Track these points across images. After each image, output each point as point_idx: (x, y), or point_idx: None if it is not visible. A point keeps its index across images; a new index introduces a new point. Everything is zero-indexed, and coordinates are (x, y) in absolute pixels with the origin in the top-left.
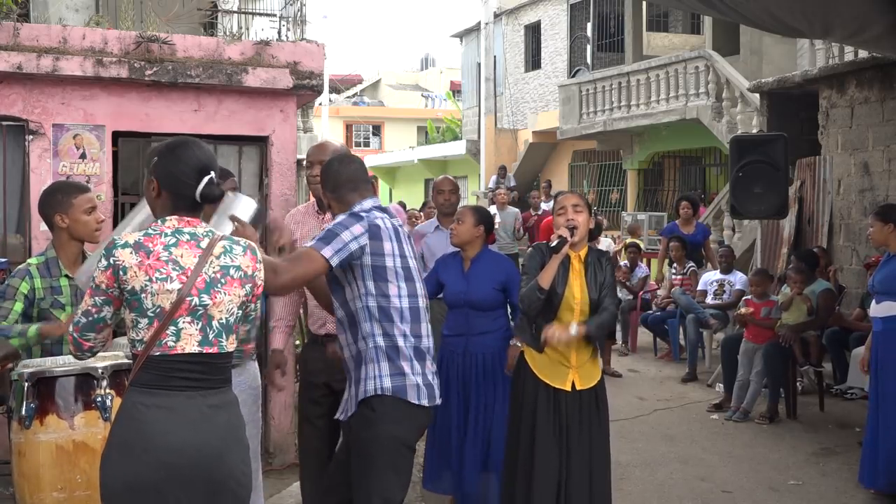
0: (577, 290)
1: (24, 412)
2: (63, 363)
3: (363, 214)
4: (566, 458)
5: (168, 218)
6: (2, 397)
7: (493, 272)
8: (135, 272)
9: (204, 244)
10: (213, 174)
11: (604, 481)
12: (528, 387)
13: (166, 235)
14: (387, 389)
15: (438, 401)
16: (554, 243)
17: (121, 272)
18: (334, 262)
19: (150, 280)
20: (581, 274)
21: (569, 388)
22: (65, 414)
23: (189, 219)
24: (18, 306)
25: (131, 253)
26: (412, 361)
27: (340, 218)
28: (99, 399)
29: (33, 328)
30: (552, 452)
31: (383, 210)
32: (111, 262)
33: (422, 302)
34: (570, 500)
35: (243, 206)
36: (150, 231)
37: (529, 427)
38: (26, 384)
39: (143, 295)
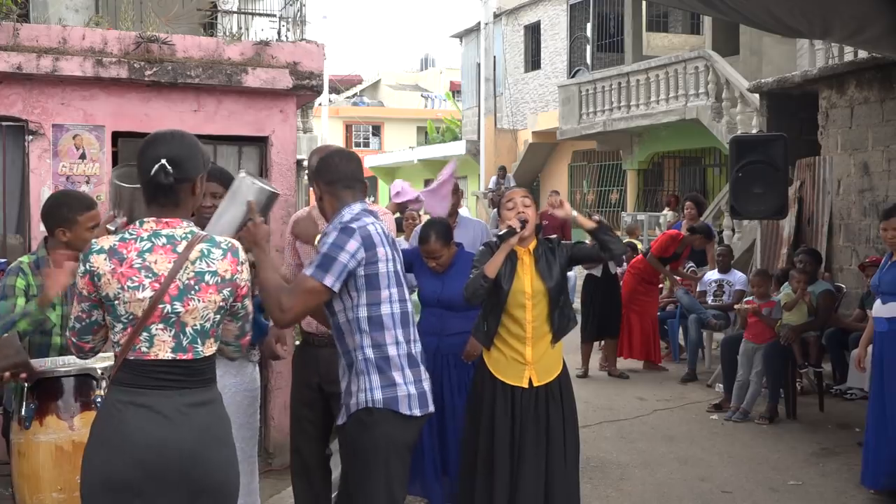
0: (526, 284)
1: (23, 413)
2: (63, 364)
3: (354, 226)
4: (519, 451)
5: (147, 220)
6: (1, 398)
7: (467, 272)
8: (108, 279)
9: (181, 248)
10: (163, 161)
11: (566, 474)
12: (486, 386)
13: (142, 240)
14: (378, 402)
15: (431, 408)
16: (502, 232)
17: (96, 279)
18: (336, 287)
19: (122, 288)
20: (531, 267)
21: (526, 385)
22: (64, 415)
23: (168, 220)
24: (21, 301)
25: (105, 259)
26: (404, 370)
27: (333, 236)
28: (98, 399)
29: (31, 304)
30: (507, 450)
31: (370, 213)
32: (87, 268)
33: (409, 307)
34: (523, 495)
35: (255, 191)
36: (126, 235)
37: (488, 428)
38: (26, 385)
39: (116, 302)
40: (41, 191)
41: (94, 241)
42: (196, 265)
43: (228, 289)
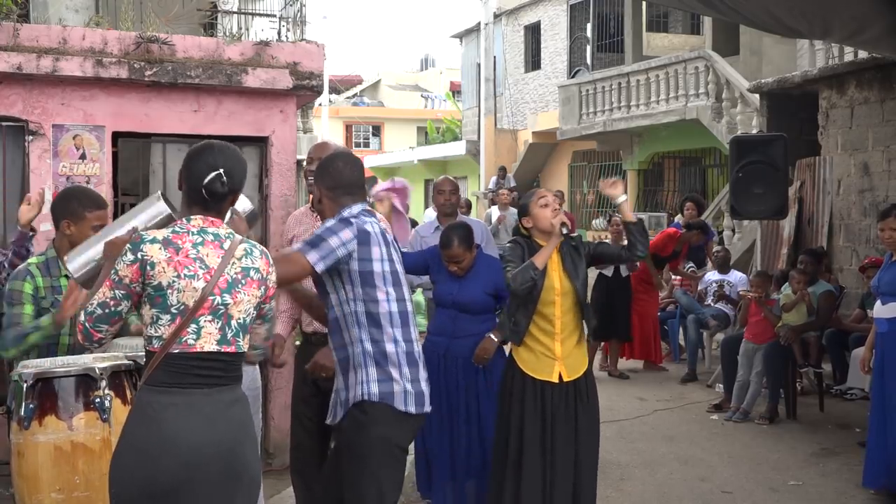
0: (556, 281)
1: (23, 413)
2: (62, 364)
3: (352, 220)
4: (551, 448)
5: (193, 217)
6: (1, 398)
7: (486, 276)
8: (163, 268)
9: (226, 245)
10: (220, 171)
11: (591, 471)
12: (515, 383)
13: (193, 234)
14: (374, 395)
15: (428, 408)
16: (565, 231)
17: (148, 267)
18: (319, 267)
19: (179, 276)
20: (559, 265)
21: (556, 380)
22: (64, 415)
23: (213, 219)
24: (29, 309)
25: (160, 248)
26: (401, 367)
27: (330, 223)
28: (98, 400)
29: (45, 318)
30: (539, 447)
31: (371, 214)
32: (138, 256)
33: (409, 306)
34: (554, 491)
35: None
36: (177, 228)
37: (518, 425)
38: (25, 385)
39: (170, 291)
40: (47, 187)
41: (143, 232)
42: (242, 261)
43: (264, 287)
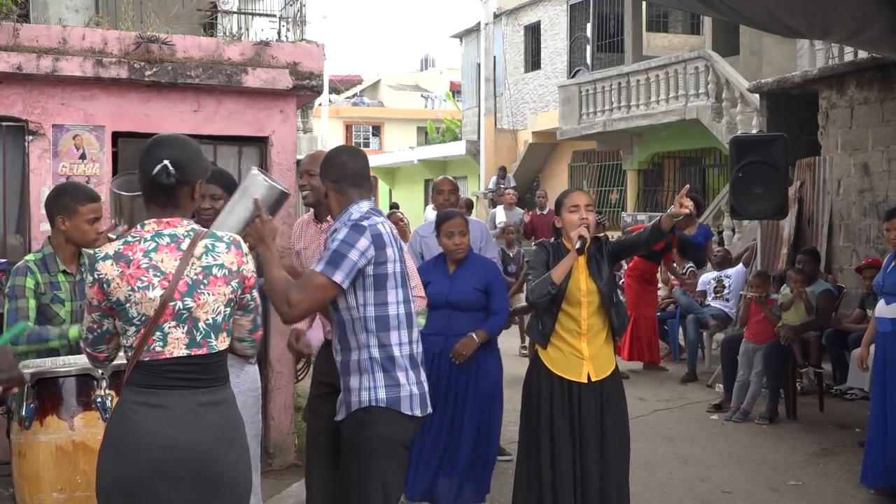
0: (582, 283)
1: (23, 413)
2: (63, 363)
3: (365, 224)
4: (580, 448)
5: (147, 222)
6: (2, 398)
7: (476, 274)
8: (117, 284)
9: (184, 245)
10: (166, 162)
11: (621, 470)
12: (542, 384)
13: (146, 241)
14: (381, 401)
15: (430, 410)
16: (578, 245)
17: (105, 285)
18: (346, 284)
19: (133, 290)
20: (584, 266)
21: (585, 380)
22: (65, 415)
23: (168, 220)
24: (32, 303)
25: (112, 265)
26: (407, 370)
27: (343, 232)
28: (99, 400)
29: (75, 329)
30: (569, 446)
31: (379, 212)
32: (95, 276)
33: (413, 307)
34: (586, 491)
35: (265, 188)
36: (129, 238)
37: (547, 426)
38: (26, 385)
39: (128, 305)
40: (41, 191)
41: (97, 249)
42: (202, 260)
43: (236, 280)
